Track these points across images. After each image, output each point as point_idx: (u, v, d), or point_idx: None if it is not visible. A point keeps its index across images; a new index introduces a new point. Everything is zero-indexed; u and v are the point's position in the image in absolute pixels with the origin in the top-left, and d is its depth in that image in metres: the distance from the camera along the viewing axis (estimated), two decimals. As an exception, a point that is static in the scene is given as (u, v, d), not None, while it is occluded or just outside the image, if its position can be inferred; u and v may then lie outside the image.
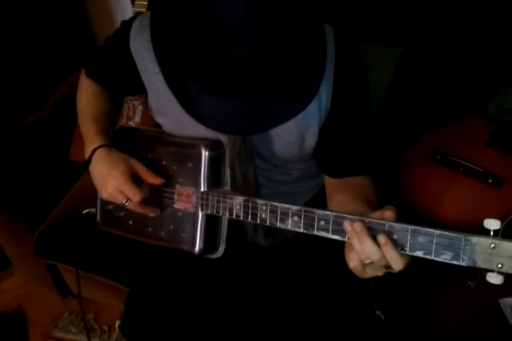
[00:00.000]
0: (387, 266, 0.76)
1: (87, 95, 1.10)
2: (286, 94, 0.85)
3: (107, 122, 1.05)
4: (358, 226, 0.75)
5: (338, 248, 0.89)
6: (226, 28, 0.77)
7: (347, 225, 0.77)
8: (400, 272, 0.79)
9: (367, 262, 0.76)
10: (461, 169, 1.28)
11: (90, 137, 1.00)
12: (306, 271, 1.11)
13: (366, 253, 0.75)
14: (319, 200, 1.11)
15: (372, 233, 0.76)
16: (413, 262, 0.77)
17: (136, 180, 0.97)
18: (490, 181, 1.24)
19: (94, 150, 0.97)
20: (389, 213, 0.77)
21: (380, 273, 0.79)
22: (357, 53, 0.98)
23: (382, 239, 0.74)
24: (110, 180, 0.96)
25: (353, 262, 0.78)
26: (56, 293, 1.73)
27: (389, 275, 0.81)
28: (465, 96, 1.43)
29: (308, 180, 1.16)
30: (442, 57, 1.52)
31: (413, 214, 1.27)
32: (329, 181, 1.08)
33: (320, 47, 0.90)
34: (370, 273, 0.79)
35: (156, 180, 0.99)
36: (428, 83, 1.52)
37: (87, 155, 0.99)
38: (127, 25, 0.98)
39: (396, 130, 1.48)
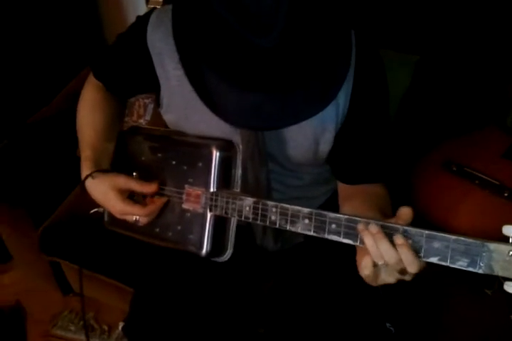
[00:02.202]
0: (402, 271, 0.73)
1: (87, 109, 1.09)
2: (307, 92, 0.83)
3: (103, 142, 1.04)
4: (374, 228, 0.73)
5: (349, 255, 0.87)
6: (253, 15, 0.76)
7: (361, 227, 0.74)
8: (411, 281, 0.77)
9: (381, 263, 0.73)
10: (476, 181, 1.25)
11: (83, 159, 1.01)
12: (314, 278, 1.08)
13: (382, 255, 0.72)
14: (331, 206, 1.09)
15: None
16: (425, 271, 0.75)
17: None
18: (506, 195, 1.21)
19: (86, 177, 0.98)
20: (406, 210, 0.75)
21: (392, 279, 0.77)
22: (378, 59, 0.97)
23: (399, 239, 0.71)
24: (110, 208, 0.98)
25: (366, 269, 0.76)
26: (57, 290, 1.71)
27: (400, 286, 0.79)
28: (482, 107, 1.41)
29: (321, 185, 1.14)
30: (459, 67, 1.50)
31: (425, 225, 1.24)
32: (342, 187, 1.06)
33: (346, 48, 0.88)
34: (383, 279, 0.77)
35: (151, 188, 0.98)
36: (444, 92, 1.51)
37: (81, 177, 1.00)
38: (144, 19, 0.98)
39: (410, 138, 1.46)
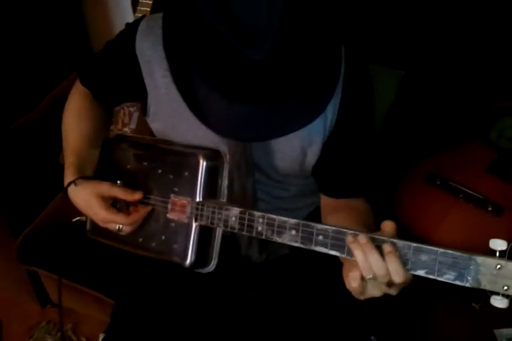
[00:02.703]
0: (389, 283, 0.73)
1: (73, 115, 1.08)
2: (296, 105, 0.83)
3: (88, 148, 1.03)
4: (362, 238, 0.73)
5: (334, 268, 0.87)
6: (246, 27, 0.75)
7: (351, 238, 0.74)
8: (397, 295, 0.76)
9: (369, 277, 0.73)
10: (460, 195, 1.26)
11: (67, 165, 1.00)
12: (299, 290, 1.07)
13: (371, 267, 0.72)
14: (314, 218, 1.08)
15: None
16: (411, 285, 0.74)
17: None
18: (490, 209, 1.22)
19: (68, 184, 0.97)
20: (390, 223, 0.75)
21: (379, 292, 0.77)
22: (366, 73, 0.97)
23: (387, 247, 0.71)
24: (93, 216, 0.96)
25: (354, 282, 0.75)
26: (34, 300, 1.68)
27: (386, 299, 0.79)
28: (466, 122, 1.43)
29: (307, 196, 1.14)
30: (443, 82, 1.52)
31: (410, 238, 1.24)
32: (326, 201, 1.06)
33: (335, 61, 0.89)
34: (370, 292, 0.76)
35: (135, 196, 0.96)
36: (428, 107, 1.53)
37: (65, 183, 0.98)
38: (133, 26, 0.97)
39: (395, 152, 1.47)
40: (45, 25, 1.94)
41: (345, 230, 0.77)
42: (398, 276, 0.71)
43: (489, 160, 1.30)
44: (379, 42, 1.56)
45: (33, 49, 1.92)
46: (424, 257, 0.71)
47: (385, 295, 0.77)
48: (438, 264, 0.70)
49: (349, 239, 0.74)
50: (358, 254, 0.73)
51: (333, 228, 0.78)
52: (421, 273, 0.71)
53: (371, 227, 0.93)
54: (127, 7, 2.09)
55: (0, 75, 1.81)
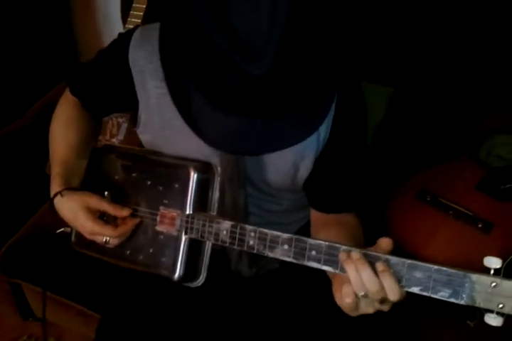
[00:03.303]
0: (382, 300, 0.72)
1: (61, 124, 1.06)
2: (293, 119, 0.82)
3: (75, 159, 1.02)
4: (355, 254, 0.72)
5: (324, 283, 0.85)
6: (245, 41, 0.73)
7: (343, 256, 0.73)
8: (389, 311, 0.75)
9: (361, 294, 0.72)
10: (450, 212, 1.25)
11: (53, 175, 0.98)
12: (289, 305, 1.05)
13: (364, 284, 0.71)
14: (306, 232, 1.07)
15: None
16: (403, 301, 0.73)
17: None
18: (480, 226, 1.22)
19: (55, 195, 0.95)
20: (387, 240, 0.74)
21: (372, 310, 0.75)
22: (359, 90, 0.97)
23: (380, 266, 0.70)
24: (80, 228, 0.95)
25: (348, 298, 0.73)
26: (16, 314, 1.64)
27: (378, 316, 0.78)
28: (455, 138, 1.43)
29: (298, 211, 1.13)
30: (433, 99, 1.53)
31: (400, 254, 1.23)
32: (316, 216, 1.05)
33: (333, 76, 0.89)
34: (362, 309, 0.75)
35: (123, 212, 0.95)
36: (418, 123, 1.53)
37: (51, 194, 0.96)
38: (127, 36, 0.96)
39: (385, 168, 1.46)
40: (34, 33, 1.94)
41: (339, 245, 0.76)
42: (393, 294, 0.70)
43: (478, 178, 1.29)
44: (368, 59, 1.57)
45: (21, 57, 1.91)
46: (418, 274, 0.70)
47: (377, 312, 0.76)
48: (432, 281, 0.69)
49: (342, 255, 0.74)
50: (351, 271, 0.72)
51: (327, 243, 0.77)
52: (415, 290, 0.70)
53: (361, 243, 0.92)
54: (116, 17, 2.08)
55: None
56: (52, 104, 1.11)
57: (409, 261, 0.71)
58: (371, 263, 0.72)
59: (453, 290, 0.68)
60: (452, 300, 0.68)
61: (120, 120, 1.55)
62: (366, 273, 0.70)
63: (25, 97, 1.79)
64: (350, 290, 0.73)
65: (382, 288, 0.70)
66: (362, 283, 0.71)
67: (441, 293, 0.68)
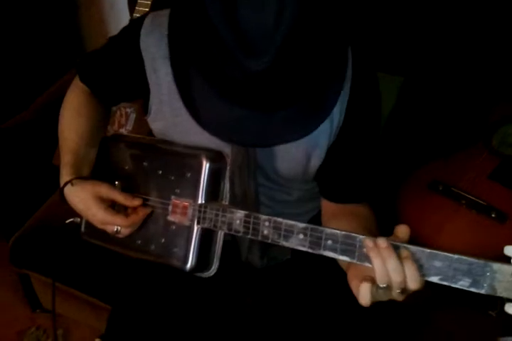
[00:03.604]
0: (403, 290, 0.70)
1: (71, 112, 1.05)
2: (293, 114, 0.81)
3: (85, 147, 1.01)
4: (382, 242, 0.69)
5: (336, 273, 0.84)
6: (248, 35, 0.72)
7: (368, 242, 0.70)
8: (398, 304, 0.74)
9: (383, 286, 0.70)
10: (463, 201, 1.24)
11: (63, 164, 0.97)
12: (299, 296, 1.04)
13: (388, 273, 0.68)
14: (317, 222, 1.06)
15: None
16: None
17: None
18: (493, 215, 1.20)
19: (65, 184, 0.94)
20: (404, 228, 0.73)
21: (387, 298, 0.73)
22: (373, 76, 0.95)
23: (404, 252, 0.69)
24: (90, 217, 0.93)
25: (366, 289, 0.71)
26: (24, 305, 1.64)
27: (389, 305, 0.76)
28: (467, 127, 1.42)
29: (308, 201, 1.11)
30: (444, 88, 1.51)
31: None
32: (327, 206, 1.03)
33: (340, 67, 0.87)
34: (378, 298, 0.73)
35: (134, 202, 0.94)
36: (429, 113, 1.51)
37: (60, 183, 0.95)
38: (138, 22, 0.94)
39: (396, 158, 1.45)
40: (39, 26, 1.93)
41: (355, 235, 0.74)
42: (414, 283, 0.68)
43: (491, 167, 1.28)
44: (377, 49, 1.55)
45: (27, 49, 1.90)
46: (438, 263, 0.69)
47: (389, 303, 0.75)
48: (453, 270, 0.67)
49: (368, 242, 0.70)
50: (377, 260, 0.69)
51: (343, 232, 0.75)
52: (434, 279, 0.69)
53: (375, 233, 0.91)
54: (122, 7, 2.07)
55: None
56: (57, 97, 1.10)
57: (429, 250, 0.69)
58: None
59: (473, 279, 0.66)
60: (473, 289, 0.67)
61: (128, 110, 1.54)
62: (393, 262, 0.68)
63: (30, 89, 1.77)
64: (369, 283, 0.71)
65: (405, 277, 0.68)
66: (387, 273, 0.69)
67: (462, 283, 0.67)
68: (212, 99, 0.80)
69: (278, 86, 0.75)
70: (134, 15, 1.63)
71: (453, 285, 0.68)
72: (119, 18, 2.12)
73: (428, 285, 0.70)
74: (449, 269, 0.68)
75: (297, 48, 0.73)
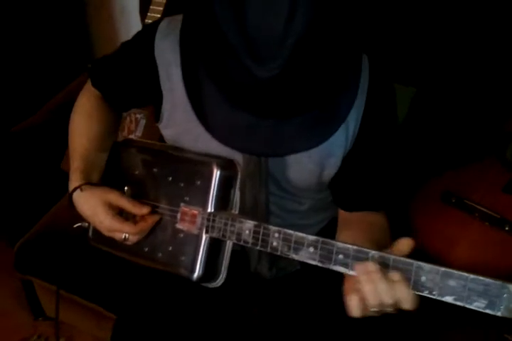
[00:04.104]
0: (395, 309, 0.70)
1: (82, 117, 1.04)
2: (304, 123, 0.79)
3: (96, 152, 1.00)
4: (371, 266, 0.69)
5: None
6: (257, 41, 0.71)
7: (358, 266, 0.70)
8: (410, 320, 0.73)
9: (373, 309, 0.69)
10: (476, 214, 1.22)
11: (73, 169, 0.96)
12: (308, 308, 1.03)
13: (380, 296, 0.68)
14: (326, 234, 1.04)
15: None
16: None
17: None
18: (507, 228, 1.18)
19: (74, 190, 0.93)
20: (407, 241, 0.72)
21: (378, 314, 0.72)
22: (389, 84, 0.94)
23: (395, 275, 0.68)
24: (98, 224, 0.92)
25: (357, 309, 0.70)
26: (26, 312, 1.62)
27: (397, 321, 0.75)
28: (480, 139, 1.39)
29: (319, 212, 1.10)
30: (456, 99, 1.49)
31: (424, 258, 1.20)
32: (341, 214, 1.02)
33: (353, 77, 0.85)
34: (369, 314, 0.72)
35: (143, 210, 0.92)
36: (441, 124, 1.49)
37: (69, 188, 0.95)
38: (152, 27, 0.93)
39: (408, 169, 1.43)
40: (49, 30, 1.92)
41: (368, 250, 0.73)
42: (407, 303, 0.68)
43: (505, 179, 1.25)
44: (390, 59, 1.53)
45: (36, 53, 1.89)
46: (452, 283, 0.67)
47: (398, 319, 0.74)
48: (468, 291, 0.65)
49: (357, 267, 0.71)
50: (366, 284, 0.69)
51: (355, 247, 0.74)
52: (449, 299, 0.67)
53: (385, 244, 0.89)
54: (133, 12, 2.05)
55: (3, 79, 1.78)
56: (66, 100, 1.10)
57: (443, 269, 0.67)
58: (401, 270, 0.69)
59: (489, 301, 0.64)
60: (488, 311, 0.64)
61: (138, 116, 1.53)
62: (383, 287, 0.67)
63: (39, 93, 1.77)
64: (358, 302, 0.70)
65: (396, 300, 0.68)
66: (379, 296, 0.68)
67: (477, 304, 0.65)
68: (220, 105, 0.79)
69: (287, 94, 0.74)
70: (146, 21, 1.62)
71: (468, 306, 0.66)
72: (129, 22, 2.11)
73: (441, 304, 0.69)
74: (463, 289, 0.66)
75: (307, 56, 0.71)
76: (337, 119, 0.83)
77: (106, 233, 0.93)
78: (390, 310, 0.70)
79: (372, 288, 0.68)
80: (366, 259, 0.72)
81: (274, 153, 0.84)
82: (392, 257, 0.71)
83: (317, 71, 0.74)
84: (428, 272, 0.68)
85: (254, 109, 0.76)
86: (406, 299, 0.68)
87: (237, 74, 0.73)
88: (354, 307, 0.70)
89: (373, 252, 0.72)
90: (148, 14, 1.61)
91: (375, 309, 0.70)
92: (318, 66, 0.74)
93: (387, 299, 0.68)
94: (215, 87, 0.78)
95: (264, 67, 0.70)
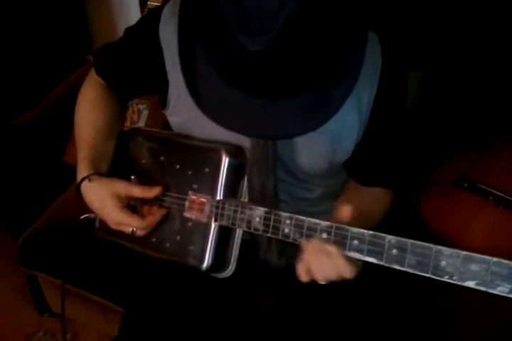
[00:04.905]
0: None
1: (87, 106, 1.02)
2: (297, 105, 0.77)
3: (103, 141, 0.98)
4: (316, 243, 0.75)
5: (357, 277, 0.80)
6: (250, 15, 0.69)
7: (304, 243, 0.77)
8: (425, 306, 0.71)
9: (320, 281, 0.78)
10: (490, 197, 1.20)
11: (80, 159, 0.94)
12: (318, 297, 1.00)
13: (322, 273, 0.76)
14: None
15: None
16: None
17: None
18: (522, 212, 1.16)
19: (82, 180, 0.91)
20: (345, 207, 0.76)
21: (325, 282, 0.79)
22: (403, 64, 0.91)
23: (334, 251, 0.74)
24: (105, 216, 0.91)
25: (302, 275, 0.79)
26: (32, 308, 1.60)
27: (412, 310, 0.74)
28: (492, 122, 1.37)
29: (329, 200, 1.07)
30: (464, 83, 1.47)
31: (437, 242, 1.18)
32: (352, 184, 1.03)
33: (355, 59, 0.82)
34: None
35: (153, 192, 0.90)
36: (449, 108, 1.47)
37: (77, 178, 0.92)
38: (156, 12, 0.91)
39: (419, 154, 1.40)
40: (49, 22, 1.92)
41: (384, 235, 0.70)
42: (347, 274, 0.76)
43: (519, 162, 1.24)
44: (396, 44, 1.51)
45: (36, 47, 1.89)
46: (474, 267, 0.64)
47: (413, 307, 0.73)
48: (490, 275, 0.63)
49: (303, 243, 0.77)
50: (313, 263, 0.76)
51: (370, 232, 0.71)
52: (470, 284, 0.64)
53: (370, 219, 0.91)
54: (133, 4, 2.04)
55: (3, 73, 1.77)
56: (67, 93, 1.07)
57: (465, 253, 0.65)
58: (419, 255, 0.67)
59: (514, 285, 0.62)
60: (512, 295, 0.62)
61: (141, 106, 1.51)
62: (325, 266, 0.75)
63: (39, 87, 1.76)
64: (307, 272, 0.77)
65: (338, 273, 0.75)
66: (322, 273, 0.76)
67: (501, 288, 0.63)
68: (213, 80, 0.77)
69: (277, 71, 0.72)
70: (146, 9, 1.60)
71: (490, 291, 0.63)
72: (129, 14, 2.10)
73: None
74: (486, 273, 0.63)
75: (300, 32, 0.69)
76: (334, 104, 0.80)
77: (113, 226, 0.91)
78: (334, 279, 0.78)
79: (318, 268, 0.76)
80: (383, 245, 0.70)
81: (267, 135, 0.83)
82: (410, 241, 0.68)
83: (310, 49, 0.72)
84: (448, 256, 0.66)
85: (245, 85, 0.75)
86: (346, 272, 0.75)
87: (230, 48, 0.72)
88: (302, 275, 0.79)
89: (390, 237, 0.70)
90: (148, 3, 1.59)
91: (322, 282, 0.79)
92: (312, 44, 0.71)
93: (331, 275, 0.76)
94: (209, 61, 0.77)
95: (255, 41, 0.69)
